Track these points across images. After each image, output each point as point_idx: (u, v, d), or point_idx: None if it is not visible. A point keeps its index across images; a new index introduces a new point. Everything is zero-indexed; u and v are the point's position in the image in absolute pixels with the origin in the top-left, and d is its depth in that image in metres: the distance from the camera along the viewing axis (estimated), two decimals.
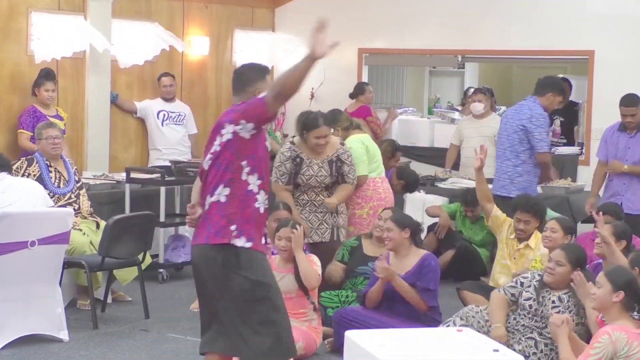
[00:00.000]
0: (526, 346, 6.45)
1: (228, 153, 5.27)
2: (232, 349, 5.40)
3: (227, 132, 5.27)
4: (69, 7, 10.61)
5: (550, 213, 8.95)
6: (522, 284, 6.73)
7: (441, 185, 10.53)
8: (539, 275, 6.70)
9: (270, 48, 13.18)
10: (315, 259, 7.41)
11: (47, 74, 9.98)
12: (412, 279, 7.28)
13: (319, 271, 7.35)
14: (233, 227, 5.27)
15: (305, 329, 7.24)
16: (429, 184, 10.59)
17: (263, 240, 5.51)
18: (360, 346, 5.26)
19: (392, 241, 7.40)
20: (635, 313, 5.64)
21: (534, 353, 6.44)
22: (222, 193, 5.27)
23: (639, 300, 5.35)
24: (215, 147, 5.31)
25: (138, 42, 11.36)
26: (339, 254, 8.12)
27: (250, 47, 12.95)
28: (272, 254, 7.54)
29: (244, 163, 5.29)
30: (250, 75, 5.51)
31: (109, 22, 10.93)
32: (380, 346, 5.17)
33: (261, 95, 5.30)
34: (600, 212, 6.94)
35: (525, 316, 6.61)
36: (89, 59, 10.74)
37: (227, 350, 5.43)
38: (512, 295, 6.74)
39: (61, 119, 10.03)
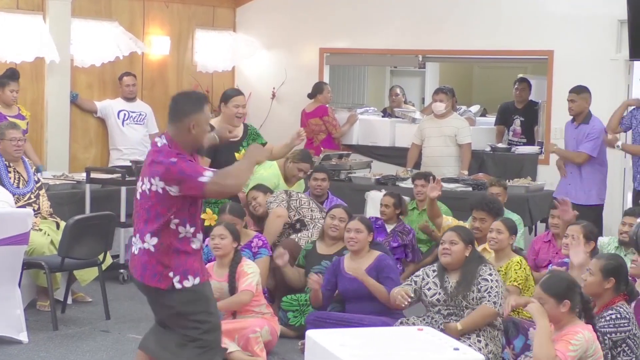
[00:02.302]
0: (461, 338, 6.47)
1: (158, 205, 5.34)
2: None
3: (157, 186, 5.32)
4: (28, 6, 10.54)
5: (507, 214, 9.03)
6: (415, 282, 6.87)
7: (402, 184, 10.55)
8: (432, 270, 6.87)
9: (231, 48, 13.17)
10: (247, 267, 7.35)
11: (12, 74, 9.89)
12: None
13: (250, 281, 7.26)
14: (171, 274, 5.41)
15: (262, 317, 7.34)
16: (391, 184, 10.61)
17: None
18: (321, 346, 5.26)
19: (359, 243, 7.50)
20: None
21: (469, 338, 6.49)
22: (150, 242, 5.37)
23: (627, 282, 5.57)
24: (145, 187, 5.38)
25: (98, 42, 11.30)
26: (298, 259, 8.24)
27: (211, 46, 12.92)
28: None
29: (172, 216, 5.35)
30: (187, 107, 5.40)
31: (69, 22, 10.87)
32: (341, 345, 5.18)
33: (203, 179, 5.26)
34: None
35: (438, 312, 6.70)
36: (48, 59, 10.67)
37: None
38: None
39: (23, 118, 9.96)
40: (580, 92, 9.87)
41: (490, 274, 6.68)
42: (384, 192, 10.11)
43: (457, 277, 6.74)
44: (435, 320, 6.67)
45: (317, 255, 8.12)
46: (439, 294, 6.72)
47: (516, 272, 7.24)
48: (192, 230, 5.40)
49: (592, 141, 9.80)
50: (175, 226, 5.35)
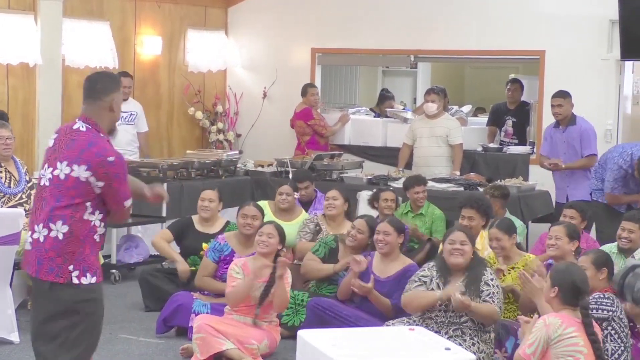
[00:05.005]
0: (453, 336, 6.46)
1: (74, 191, 5.05)
2: None
3: (81, 175, 5.04)
4: (19, 6, 10.52)
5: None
6: (424, 282, 6.73)
7: (394, 184, 10.54)
8: (435, 270, 6.74)
9: (223, 50, 13.18)
10: (289, 276, 7.34)
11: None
12: (392, 284, 7.31)
13: (289, 292, 7.31)
14: (71, 267, 5.09)
15: (265, 327, 7.28)
16: (382, 183, 10.61)
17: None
18: (313, 345, 5.27)
19: (389, 245, 7.40)
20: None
21: (464, 340, 6.46)
22: (60, 230, 5.05)
23: (576, 297, 5.50)
24: (58, 172, 5.07)
25: (89, 43, 11.28)
26: (319, 250, 8.18)
27: (202, 46, 12.91)
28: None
29: (88, 204, 5.10)
30: (107, 84, 5.26)
31: (60, 22, 10.84)
32: (332, 345, 5.19)
33: (127, 203, 5.14)
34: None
35: (438, 315, 6.60)
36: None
37: None
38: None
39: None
40: (566, 96, 9.97)
41: (492, 279, 6.64)
42: (374, 190, 10.08)
43: (460, 280, 6.63)
44: (427, 326, 6.53)
45: (337, 260, 8.05)
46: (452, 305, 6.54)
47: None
48: (100, 217, 5.14)
49: (592, 140, 9.97)
50: (88, 215, 5.09)
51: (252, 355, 7.02)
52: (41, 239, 5.05)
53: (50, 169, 5.11)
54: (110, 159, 5.06)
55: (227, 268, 7.59)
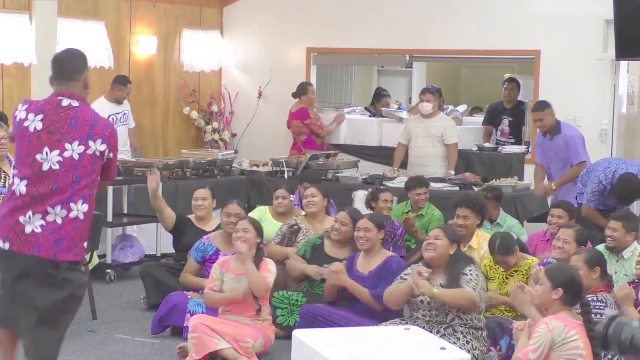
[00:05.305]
0: (446, 335, 6.42)
1: (91, 168, 5.18)
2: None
3: (97, 149, 5.17)
4: (14, 5, 10.52)
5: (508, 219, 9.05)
6: (405, 280, 6.70)
7: (389, 184, 10.55)
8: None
9: (218, 50, 13.19)
10: (270, 265, 7.33)
11: None
12: (373, 279, 7.30)
13: (271, 278, 7.26)
14: (85, 244, 5.25)
15: (260, 326, 7.25)
16: (378, 183, 10.62)
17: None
18: (308, 345, 5.28)
19: (370, 241, 7.40)
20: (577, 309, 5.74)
21: (457, 338, 6.43)
22: (81, 209, 5.17)
23: (578, 296, 5.48)
24: (69, 153, 5.13)
25: (84, 43, 11.27)
26: (301, 250, 8.14)
27: (197, 46, 12.92)
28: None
29: (98, 181, 5.28)
30: (78, 64, 5.32)
31: (55, 21, 10.84)
32: (327, 345, 5.19)
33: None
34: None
35: (425, 315, 6.59)
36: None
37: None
38: None
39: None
40: (544, 107, 9.81)
41: (470, 270, 6.56)
42: (369, 190, 10.06)
43: (442, 278, 6.60)
44: (418, 325, 6.47)
45: (324, 255, 7.98)
46: (424, 295, 6.55)
47: None
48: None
49: (580, 147, 9.80)
50: (94, 192, 5.26)
51: (247, 353, 7.01)
52: (58, 221, 5.12)
53: (57, 151, 5.14)
54: (115, 127, 5.32)
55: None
